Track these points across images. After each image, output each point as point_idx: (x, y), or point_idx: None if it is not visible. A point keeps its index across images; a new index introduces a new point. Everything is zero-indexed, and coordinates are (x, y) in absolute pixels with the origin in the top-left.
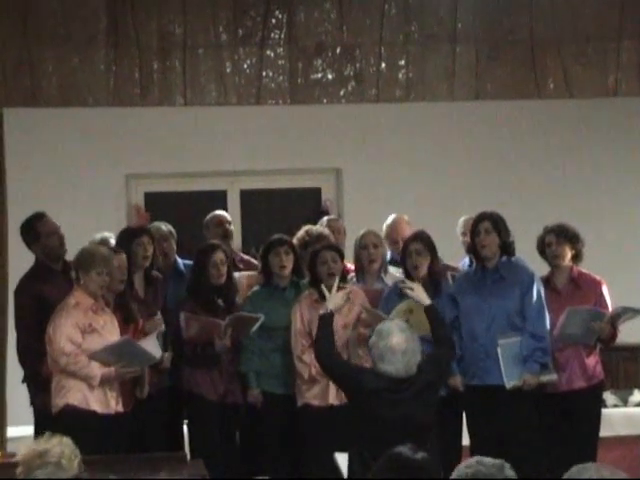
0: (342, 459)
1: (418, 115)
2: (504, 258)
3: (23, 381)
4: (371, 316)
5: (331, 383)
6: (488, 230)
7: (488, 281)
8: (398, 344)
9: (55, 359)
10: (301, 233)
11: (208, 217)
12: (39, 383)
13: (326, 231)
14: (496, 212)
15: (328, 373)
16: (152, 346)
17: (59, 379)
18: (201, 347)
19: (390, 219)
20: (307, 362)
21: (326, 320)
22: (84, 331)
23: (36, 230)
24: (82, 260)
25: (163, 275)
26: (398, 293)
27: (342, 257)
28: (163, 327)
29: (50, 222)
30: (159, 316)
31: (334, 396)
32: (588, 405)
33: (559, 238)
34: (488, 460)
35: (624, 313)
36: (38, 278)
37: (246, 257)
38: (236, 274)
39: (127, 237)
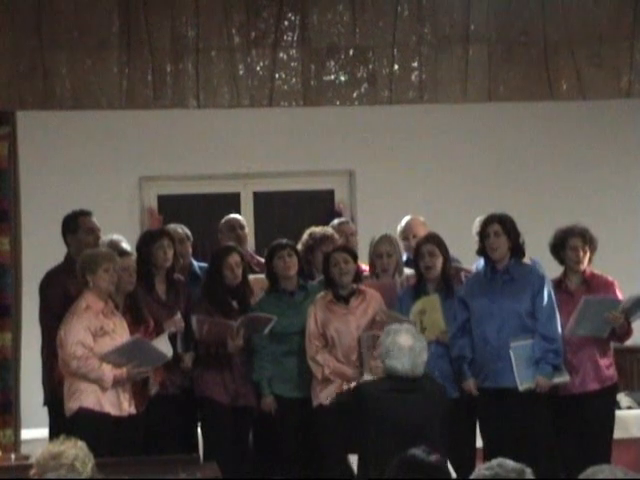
0: (355, 460)
1: (431, 117)
2: (514, 260)
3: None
4: (389, 318)
5: (345, 383)
6: (497, 233)
7: (498, 283)
8: (405, 341)
9: (66, 363)
10: (305, 237)
11: (222, 221)
12: (52, 378)
13: (330, 231)
14: (505, 214)
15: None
16: (163, 345)
17: (71, 382)
18: (215, 348)
19: (405, 219)
20: (320, 363)
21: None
22: (95, 334)
23: (77, 223)
24: (86, 263)
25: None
26: (411, 295)
27: (355, 258)
28: (182, 326)
29: (93, 222)
30: (179, 316)
31: None
32: (602, 407)
33: (585, 244)
34: (509, 463)
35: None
36: (66, 273)
37: (263, 260)
38: (250, 277)
39: (147, 240)
